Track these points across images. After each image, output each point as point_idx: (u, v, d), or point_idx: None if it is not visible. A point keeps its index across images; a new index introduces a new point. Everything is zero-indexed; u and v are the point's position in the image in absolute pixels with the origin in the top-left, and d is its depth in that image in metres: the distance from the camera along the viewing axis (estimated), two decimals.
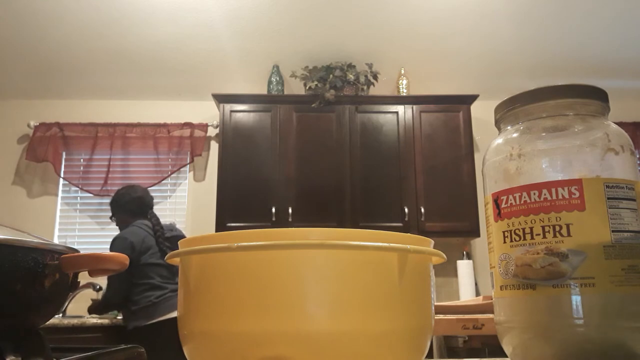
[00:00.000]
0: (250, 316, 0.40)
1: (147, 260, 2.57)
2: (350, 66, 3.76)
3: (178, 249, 0.46)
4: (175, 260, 0.48)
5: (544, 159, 0.51)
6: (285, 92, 3.91)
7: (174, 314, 2.48)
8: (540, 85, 0.55)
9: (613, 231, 0.48)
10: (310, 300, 0.40)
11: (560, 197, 0.49)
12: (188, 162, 4.02)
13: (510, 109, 0.56)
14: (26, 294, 0.53)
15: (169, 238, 2.67)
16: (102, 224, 3.93)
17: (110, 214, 2.84)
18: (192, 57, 3.69)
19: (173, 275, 2.63)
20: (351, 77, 3.71)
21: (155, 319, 2.49)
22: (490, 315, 1.33)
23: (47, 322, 0.63)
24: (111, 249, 2.60)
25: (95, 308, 2.81)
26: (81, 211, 3.98)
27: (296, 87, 3.95)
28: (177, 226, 2.93)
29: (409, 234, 0.46)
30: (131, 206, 2.77)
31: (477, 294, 3.67)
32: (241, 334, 0.40)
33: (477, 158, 3.91)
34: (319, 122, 3.74)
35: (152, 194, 2.97)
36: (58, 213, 3.96)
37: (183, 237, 2.86)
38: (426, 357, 0.47)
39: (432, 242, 0.48)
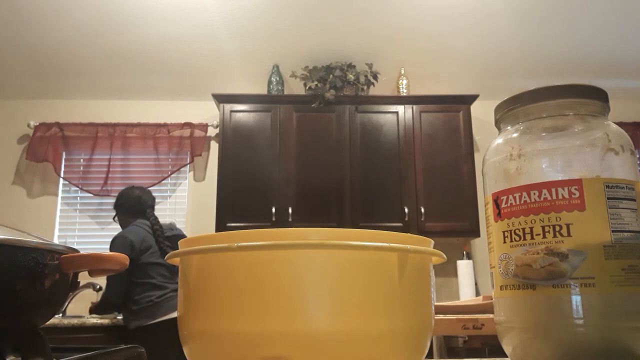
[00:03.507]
0: (250, 316, 0.40)
1: (147, 260, 2.57)
2: (350, 66, 3.76)
3: (178, 248, 0.46)
4: (175, 260, 0.48)
5: (544, 159, 0.51)
6: (285, 92, 3.91)
7: (175, 314, 2.48)
8: (541, 85, 0.55)
9: (613, 231, 0.48)
10: (310, 300, 0.40)
11: (560, 197, 0.49)
12: (188, 162, 4.02)
13: (510, 109, 0.56)
14: (26, 294, 0.53)
15: (169, 237, 2.68)
16: (102, 224, 3.93)
17: (113, 214, 2.88)
18: (192, 57, 3.69)
19: (173, 275, 2.64)
20: (351, 77, 3.71)
21: (156, 319, 2.49)
22: (490, 315, 1.33)
23: (47, 322, 0.63)
24: (111, 248, 2.61)
25: (96, 308, 2.82)
26: (81, 211, 3.98)
27: (296, 87, 3.95)
28: (177, 226, 2.93)
29: (409, 234, 0.46)
30: (130, 205, 2.79)
31: (477, 294, 3.67)
32: (241, 334, 0.40)
33: (477, 158, 3.91)
34: (319, 122, 3.74)
35: (152, 194, 2.97)
36: (58, 213, 3.96)
37: (183, 236, 2.87)
38: (426, 357, 0.47)
39: (432, 242, 0.48)
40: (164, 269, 2.61)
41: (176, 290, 2.60)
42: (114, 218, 2.88)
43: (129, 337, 2.53)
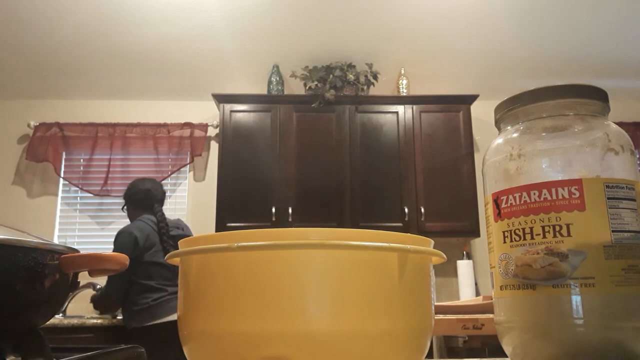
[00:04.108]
0: (250, 316, 0.40)
1: (149, 259, 2.53)
2: (350, 66, 3.76)
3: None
4: (176, 260, 0.48)
5: (544, 159, 0.51)
6: (285, 92, 3.91)
7: (174, 317, 2.46)
8: (541, 85, 0.55)
9: (613, 231, 0.48)
10: (310, 300, 0.40)
11: (560, 197, 0.49)
12: (188, 162, 4.02)
13: (510, 109, 0.56)
14: (26, 294, 0.53)
15: (173, 237, 2.62)
16: (102, 224, 3.93)
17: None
18: (192, 57, 3.69)
19: (174, 277, 2.60)
20: (351, 77, 3.71)
21: (154, 320, 2.47)
22: (490, 315, 1.33)
23: (47, 322, 0.63)
24: (115, 242, 2.55)
25: (97, 301, 2.77)
26: (81, 211, 3.98)
27: (296, 87, 3.95)
28: (184, 222, 2.84)
29: (409, 234, 0.46)
30: (138, 198, 2.71)
31: (477, 294, 3.67)
32: (241, 334, 0.40)
33: (477, 158, 3.91)
34: (319, 122, 3.74)
35: (164, 189, 2.86)
36: (58, 213, 3.96)
37: (188, 235, 2.80)
38: (426, 357, 0.47)
39: (432, 242, 0.48)
40: (165, 270, 2.56)
41: (175, 292, 2.57)
42: (122, 208, 2.80)
43: (128, 337, 2.52)
